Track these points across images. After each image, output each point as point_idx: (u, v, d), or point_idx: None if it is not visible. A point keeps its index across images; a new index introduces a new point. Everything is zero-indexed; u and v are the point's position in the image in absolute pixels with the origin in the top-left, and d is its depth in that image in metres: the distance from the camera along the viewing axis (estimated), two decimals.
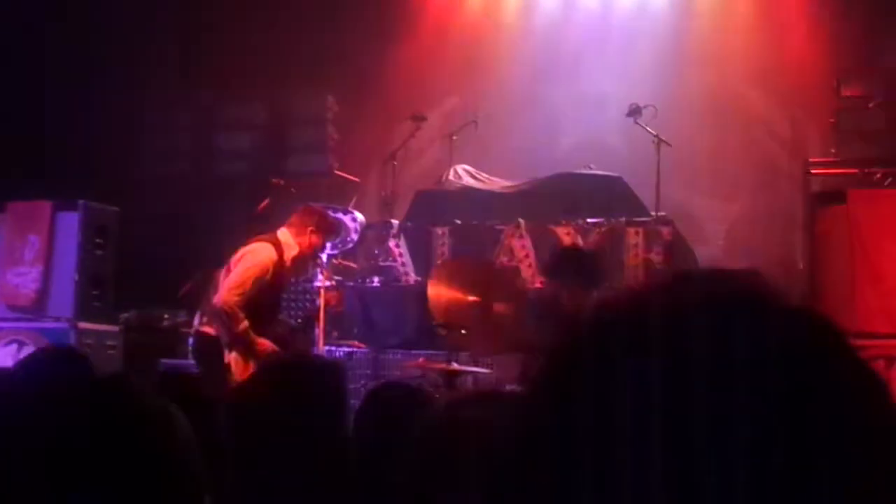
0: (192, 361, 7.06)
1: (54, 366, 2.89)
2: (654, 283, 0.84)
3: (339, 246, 9.37)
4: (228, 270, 6.71)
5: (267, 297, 6.69)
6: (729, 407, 0.74)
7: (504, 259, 8.92)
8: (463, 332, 7.15)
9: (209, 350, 6.62)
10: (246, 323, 6.52)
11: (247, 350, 6.59)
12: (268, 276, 6.62)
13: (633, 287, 0.86)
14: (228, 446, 2.40)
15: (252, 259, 6.65)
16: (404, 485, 1.79)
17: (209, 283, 6.91)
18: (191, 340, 7.08)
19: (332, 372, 2.51)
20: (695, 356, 0.76)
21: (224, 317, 6.51)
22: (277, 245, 6.76)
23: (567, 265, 6.66)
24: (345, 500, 2.38)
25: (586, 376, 0.78)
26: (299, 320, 8.03)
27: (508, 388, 7.19)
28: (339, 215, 9.49)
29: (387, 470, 2.77)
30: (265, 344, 6.62)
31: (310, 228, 6.85)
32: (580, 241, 8.82)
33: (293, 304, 9.17)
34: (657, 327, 0.77)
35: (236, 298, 6.50)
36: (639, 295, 0.83)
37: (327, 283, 8.63)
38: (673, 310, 0.79)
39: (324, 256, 8.74)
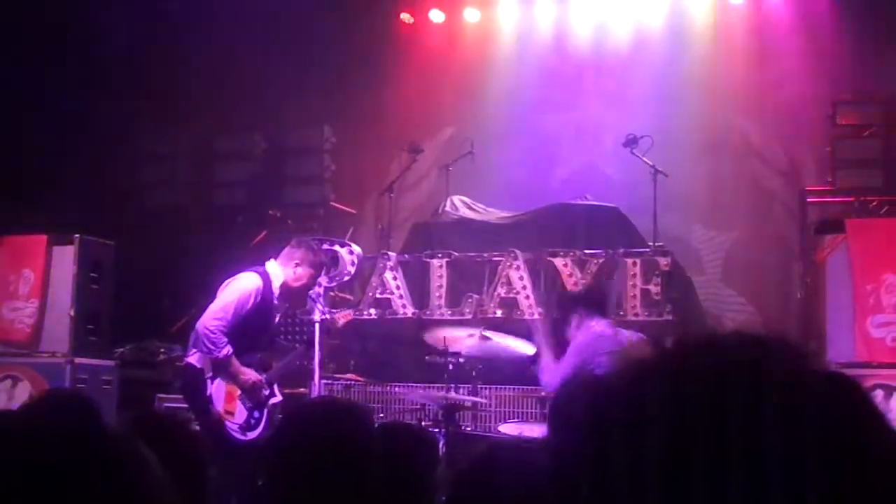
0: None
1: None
2: (685, 350, 0.87)
3: (336, 278, 9.35)
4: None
5: (253, 326, 6.69)
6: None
7: (502, 290, 8.89)
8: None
9: (193, 383, 6.63)
10: (229, 349, 6.53)
11: (231, 379, 6.61)
12: (250, 304, 6.65)
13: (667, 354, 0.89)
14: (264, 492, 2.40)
15: (234, 286, 6.72)
16: None
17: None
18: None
19: (364, 414, 2.52)
20: (736, 426, 0.78)
21: (206, 341, 6.54)
22: (264, 275, 6.80)
23: (587, 299, 6.94)
24: None
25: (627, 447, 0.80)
26: (297, 345, 7.98)
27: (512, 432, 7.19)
28: (336, 247, 9.48)
29: None
30: (248, 374, 6.66)
31: (294, 262, 6.89)
32: (578, 272, 8.80)
33: (288, 338, 9.14)
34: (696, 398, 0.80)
35: (216, 323, 6.53)
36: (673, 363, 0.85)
37: (323, 317, 8.61)
38: (713, 385, 0.81)
39: (321, 290, 8.73)
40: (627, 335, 6.99)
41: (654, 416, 0.79)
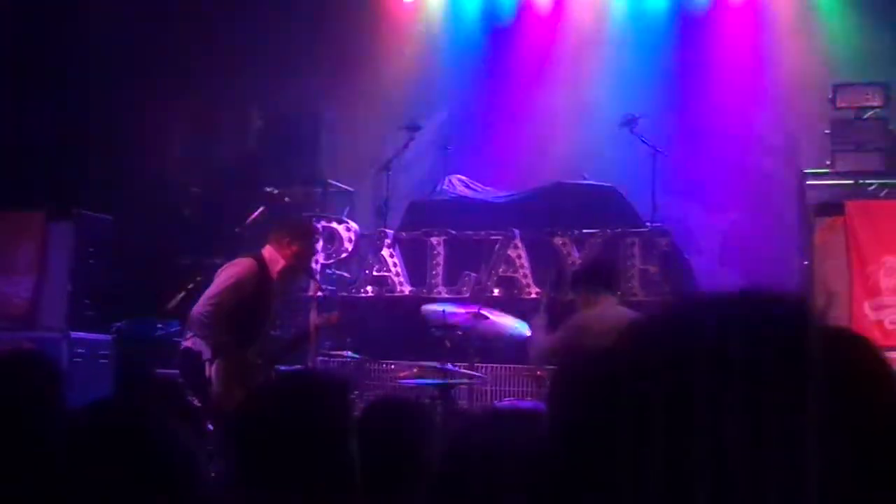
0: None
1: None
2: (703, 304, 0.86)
3: (334, 255, 9.35)
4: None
5: (250, 312, 6.67)
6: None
7: (500, 269, 8.90)
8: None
9: (191, 365, 6.61)
10: (226, 336, 6.54)
11: (228, 363, 6.58)
12: (246, 290, 6.63)
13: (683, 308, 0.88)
14: (231, 460, 2.38)
15: (230, 272, 6.70)
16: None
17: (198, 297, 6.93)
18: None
19: (338, 389, 2.48)
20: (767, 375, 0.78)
21: (201, 326, 6.53)
22: (260, 260, 6.78)
23: (595, 274, 6.61)
24: None
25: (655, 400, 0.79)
26: (293, 333, 7.99)
27: (507, 402, 7.19)
28: (333, 224, 9.47)
29: (394, 489, 2.74)
30: (245, 360, 6.65)
31: (286, 240, 6.87)
32: (576, 252, 8.81)
33: (286, 315, 9.14)
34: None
35: (210, 308, 6.52)
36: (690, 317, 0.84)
37: (319, 294, 8.61)
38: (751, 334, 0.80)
39: (317, 267, 8.73)
40: (630, 317, 6.84)
41: (655, 379, 0.79)
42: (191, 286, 9.28)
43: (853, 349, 0.84)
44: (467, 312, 7.59)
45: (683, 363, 0.79)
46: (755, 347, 0.78)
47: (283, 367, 6.71)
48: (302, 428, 2.30)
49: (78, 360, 8.27)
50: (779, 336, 0.79)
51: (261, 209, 10.27)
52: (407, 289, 9.17)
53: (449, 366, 7.32)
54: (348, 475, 2.30)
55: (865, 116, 9.30)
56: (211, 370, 6.57)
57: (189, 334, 6.71)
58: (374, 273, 9.25)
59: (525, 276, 8.86)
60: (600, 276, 6.48)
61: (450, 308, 7.55)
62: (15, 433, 1.61)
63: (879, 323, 7.41)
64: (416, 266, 9.29)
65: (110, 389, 8.05)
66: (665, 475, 0.76)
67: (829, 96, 9.36)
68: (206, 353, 6.58)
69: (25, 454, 1.61)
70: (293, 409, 2.35)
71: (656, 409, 0.78)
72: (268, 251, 6.89)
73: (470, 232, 9.22)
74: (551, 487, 0.83)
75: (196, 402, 6.23)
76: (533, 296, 8.83)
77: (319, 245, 8.79)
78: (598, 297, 6.25)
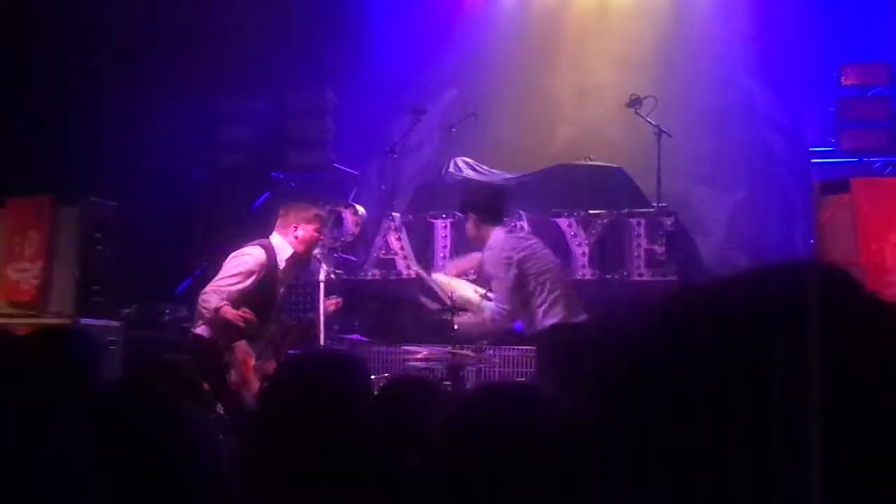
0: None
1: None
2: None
3: (340, 240, 9.37)
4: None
5: (258, 300, 6.65)
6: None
7: None
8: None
9: (204, 352, 6.60)
10: (222, 303, 6.45)
11: (231, 330, 6.48)
12: (253, 279, 6.60)
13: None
14: (251, 445, 2.40)
15: (238, 261, 6.69)
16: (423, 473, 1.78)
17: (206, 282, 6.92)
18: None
19: (358, 363, 2.51)
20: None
21: (201, 307, 6.52)
22: (269, 248, 6.76)
23: (472, 199, 7.00)
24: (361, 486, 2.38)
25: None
26: (300, 319, 8.00)
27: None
28: (339, 208, 9.48)
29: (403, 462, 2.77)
30: (243, 314, 6.49)
31: (293, 226, 6.86)
32: (582, 233, 8.82)
33: (296, 300, 9.17)
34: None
35: (214, 296, 6.50)
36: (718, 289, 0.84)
37: (330, 277, 8.62)
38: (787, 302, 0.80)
39: (324, 251, 8.74)
40: (526, 235, 7.22)
41: (658, 363, 0.78)
42: (198, 272, 9.33)
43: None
44: (475, 292, 7.60)
45: (686, 355, 0.79)
46: (805, 318, 0.78)
47: (293, 352, 6.72)
48: (328, 402, 2.33)
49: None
50: (831, 307, 0.80)
51: (267, 195, 10.30)
52: (414, 271, 9.18)
53: (457, 348, 7.33)
54: (370, 446, 2.33)
55: (870, 94, 9.30)
56: (228, 357, 6.56)
57: (199, 322, 6.72)
58: (381, 256, 9.26)
59: None
60: (484, 206, 6.83)
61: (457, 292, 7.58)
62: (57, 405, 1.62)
63: (886, 299, 7.40)
64: (423, 249, 9.30)
65: (120, 375, 8.08)
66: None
67: (834, 74, 9.36)
68: (221, 340, 6.56)
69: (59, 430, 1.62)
70: (318, 386, 2.38)
71: (656, 403, 0.77)
72: (275, 238, 6.89)
73: None
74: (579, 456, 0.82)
75: (206, 387, 6.24)
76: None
77: (326, 229, 8.80)
78: (490, 229, 6.69)
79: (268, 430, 2.40)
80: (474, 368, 7.85)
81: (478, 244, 6.94)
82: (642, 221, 8.74)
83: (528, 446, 1.53)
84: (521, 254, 6.63)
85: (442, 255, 9.13)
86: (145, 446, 1.69)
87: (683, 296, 0.85)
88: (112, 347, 8.46)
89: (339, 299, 7.81)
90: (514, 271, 6.53)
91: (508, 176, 9.93)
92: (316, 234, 7.05)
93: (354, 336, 8.52)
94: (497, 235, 6.73)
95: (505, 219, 7.15)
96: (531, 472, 1.45)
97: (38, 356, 3.39)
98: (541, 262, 6.66)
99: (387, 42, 10.89)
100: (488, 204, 6.89)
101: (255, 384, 6.63)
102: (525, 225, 8.83)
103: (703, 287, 0.86)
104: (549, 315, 6.53)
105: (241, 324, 6.43)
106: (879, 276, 7.41)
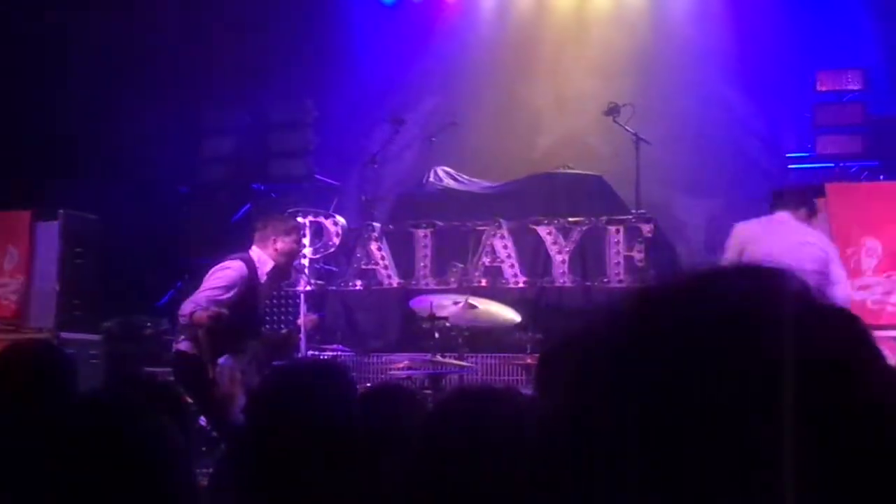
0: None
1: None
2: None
3: (321, 250, 9.38)
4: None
5: (239, 313, 6.64)
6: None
7: (486, 259, 8.94)
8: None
9: (187, 367, 6.58)
10: (193, 307, 6.46)
11: (206, 333, 6.47)
12: (233, 292, 6.60)
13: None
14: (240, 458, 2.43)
15: (219, 275, 6.67)
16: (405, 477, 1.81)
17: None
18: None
19: (341, 370, 2.55)
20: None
21: (180, 314, 6.52)
22: (249, 262, 6.75)
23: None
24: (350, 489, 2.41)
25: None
26: (283, 330, 8.02)
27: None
28: (320, 219, 9.49)
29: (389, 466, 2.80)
30: (212, 311, 6.45)
31: (271, 240, 6.86)
32: (562, 240, 8.86)
33: (277, 311, 9.18)
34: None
35: (190, 305, 6.50)
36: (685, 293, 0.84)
37: (309, 288, 8.65)
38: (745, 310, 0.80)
39: (305, 261, 8.76)
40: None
41: (635, 367, 0.78)
42: (179, 285, 9.32)
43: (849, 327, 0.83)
44: (455, 303, 7.64)
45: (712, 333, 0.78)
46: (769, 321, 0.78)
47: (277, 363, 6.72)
48: (314, 411, 2.37)
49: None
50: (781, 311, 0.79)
51: (247, 206, 10.31)
52: (395, 281, 9.20)
53: (439, 357, 7.36)
54: (357, 450, 2.36)
55: (845, 100, 9.37)
56: (214, 372, 6.53)
57: (181, 337, 6.70)
58: (362, 266, 9.27)
59: (512, 265, 8.90)
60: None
61: (437, 302, 7.60)
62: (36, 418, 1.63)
63: (862, 303, 7.47)
64: (404, 258, 9.32)
65: (100, 389, 8.06)
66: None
67: (811, 80, 9.43)
68: (207, 355, 6.52)
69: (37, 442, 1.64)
70: (304, 396, 2.42)
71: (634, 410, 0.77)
72: (254, 252, 6.87)
73: (457, 223, 9.25)
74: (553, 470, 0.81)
75: (188, 400, 6.22)
76: (521, 285, 8.88)
77: (306, 240, 8.81)
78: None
79: (256, 439, 2.43)
80: (456, 377, 7.88)
81: None
82: (621, 228, 8.77)
83: (506, 447, 1.56)
84: None
85: (423, 264, 9.15)
86: (115, 457, 1.70)
87: (639, 297, 0.86)
88: (93, 361, 8.45)
89: (317, 316, 7.81)
90: None
91: (488, 185, 9.97)
92: (295, 245, 7.05)
93: (336, 347, 8.53)
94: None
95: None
96: (509, 472, 1.48)
97: (14, 371, 3.43)
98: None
99: (367, 53, 10.92)
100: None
101: (241, 398, 6.62)
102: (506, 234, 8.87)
103: (656, 288, 0.87)
104: None
105: (213, 322, 6.36)
106: (854, 280, 7.47)
